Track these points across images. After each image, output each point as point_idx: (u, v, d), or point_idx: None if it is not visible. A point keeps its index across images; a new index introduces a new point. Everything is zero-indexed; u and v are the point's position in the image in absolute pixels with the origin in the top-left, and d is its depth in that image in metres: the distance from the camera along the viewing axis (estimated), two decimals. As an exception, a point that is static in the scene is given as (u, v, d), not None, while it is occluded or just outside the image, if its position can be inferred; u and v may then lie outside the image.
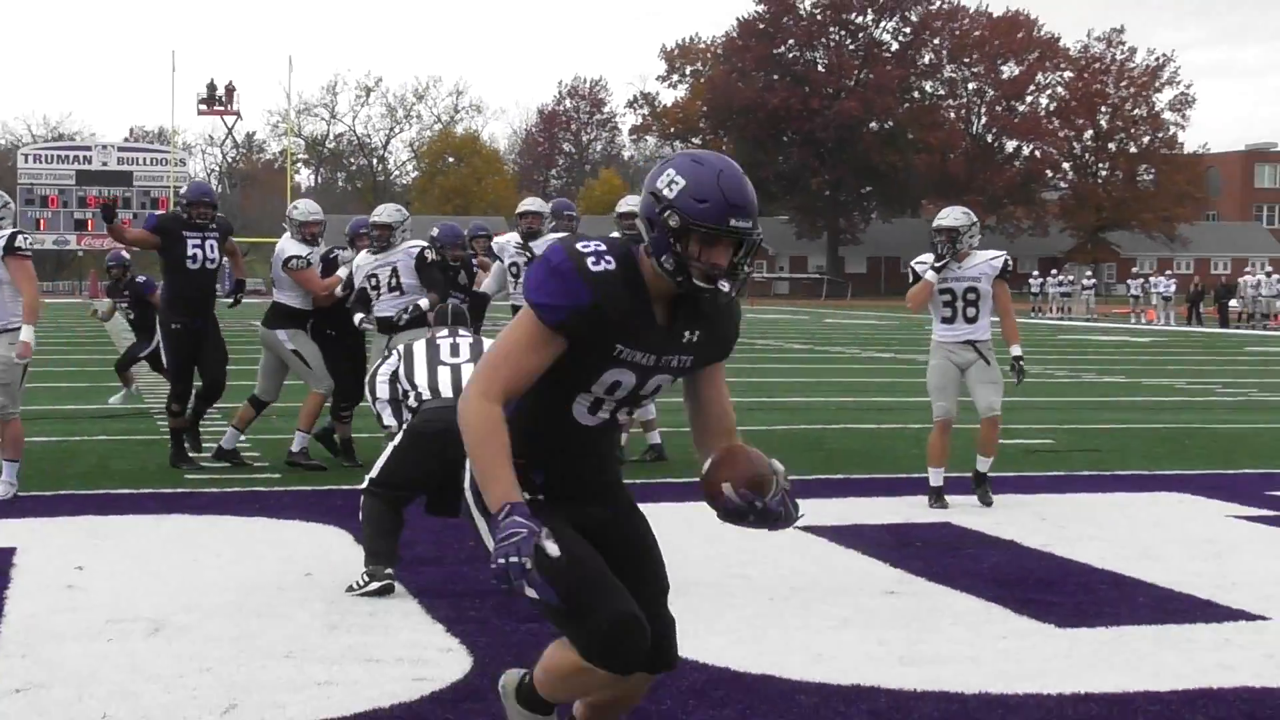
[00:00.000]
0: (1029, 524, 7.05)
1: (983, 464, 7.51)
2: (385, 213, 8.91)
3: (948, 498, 7.39)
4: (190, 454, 8.82)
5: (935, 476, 7.43)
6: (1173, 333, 35.71)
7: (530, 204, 9.77)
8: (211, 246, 8.77)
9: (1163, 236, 67.60)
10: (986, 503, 7.40)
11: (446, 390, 5.48)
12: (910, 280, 7.81)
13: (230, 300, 9.94)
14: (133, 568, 5.86)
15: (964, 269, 7.40)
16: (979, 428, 7.53)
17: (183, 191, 9.93)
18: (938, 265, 7.37)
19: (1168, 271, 50.37)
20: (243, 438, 9.10)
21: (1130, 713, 3.81)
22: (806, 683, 4.11)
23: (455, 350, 5.77)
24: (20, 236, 7.41)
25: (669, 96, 69.56)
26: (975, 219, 7.59)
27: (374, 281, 8.65)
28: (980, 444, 7.52)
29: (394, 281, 8.57)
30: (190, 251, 8.75)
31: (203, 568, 5.89)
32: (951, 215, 7.59)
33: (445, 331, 5.99)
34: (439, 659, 4.38)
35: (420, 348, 5.80)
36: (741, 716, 3.75)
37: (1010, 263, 7.64)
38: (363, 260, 8.73)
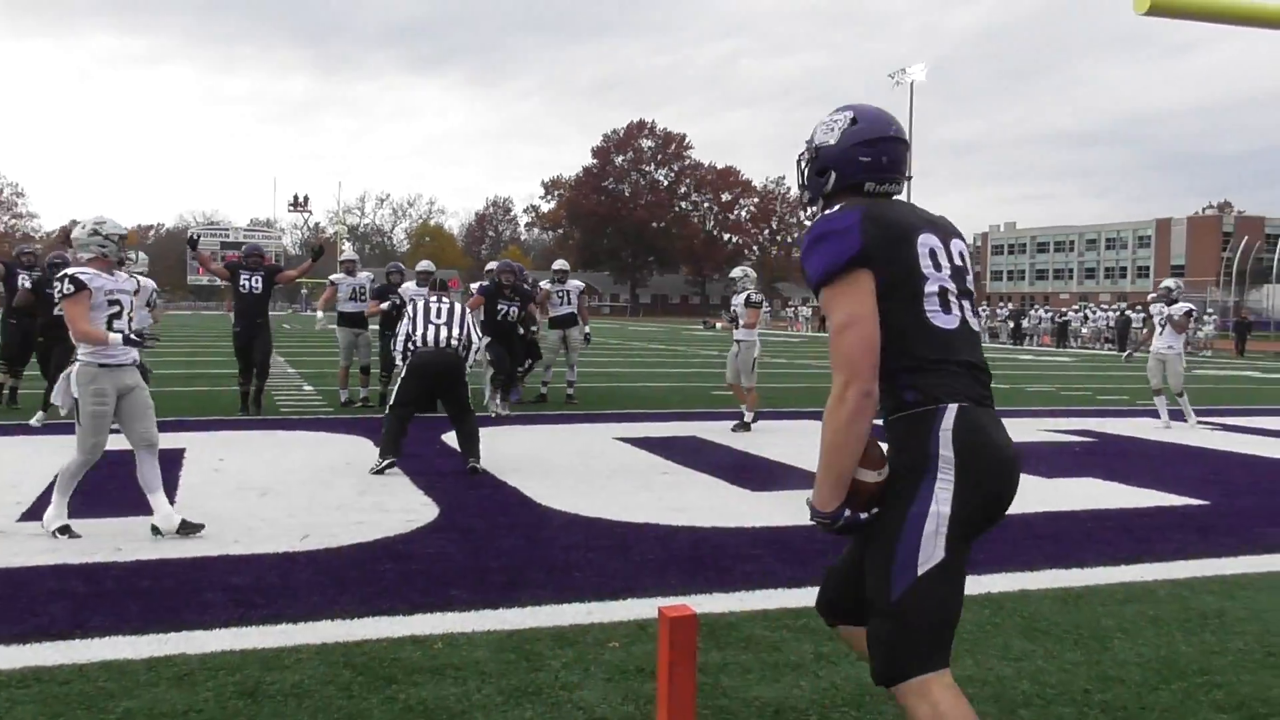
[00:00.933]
0: (744, 439, 10.72)
1: (747, 415, 11.81)
2: (426, 265, 13.19)
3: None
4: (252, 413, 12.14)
5: (748, 415, 11.87)
6: (811, 336, 37.93)
7: (499, 264, 13.58)
8: (258, 281, 12.19)
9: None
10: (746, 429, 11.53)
11: (430, 341, 8.35)
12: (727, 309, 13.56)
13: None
14: (251, 459, 8.77)
15: (738, 298, 12.34)
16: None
17: (243, 249, 14.56)
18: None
19: (811, 304, 62.15)
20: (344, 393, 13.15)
21: (791, 536, 6.38)
22: (620, 521, 6.74)
23: (439, 314, 8.57)
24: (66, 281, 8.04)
25: (546, 206, 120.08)
26: (748, 273, 12.56)
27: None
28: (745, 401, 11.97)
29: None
30: (243, 282, 12.15)
31: (289, 459, 8.79)
32: (737, 270, 12.68)
33: (435, 296, 8.89)
34: (421, 509, 6.99)
35: (420, 309, 8.62)
36: (586, 540, 6.25)
37: (751, 298, 12.34)
38: (414, 290, 12.44)
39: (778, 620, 4.70)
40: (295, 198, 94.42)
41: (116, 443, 6.26)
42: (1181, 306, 13.42)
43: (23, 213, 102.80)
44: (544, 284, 14.90)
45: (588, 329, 14.78)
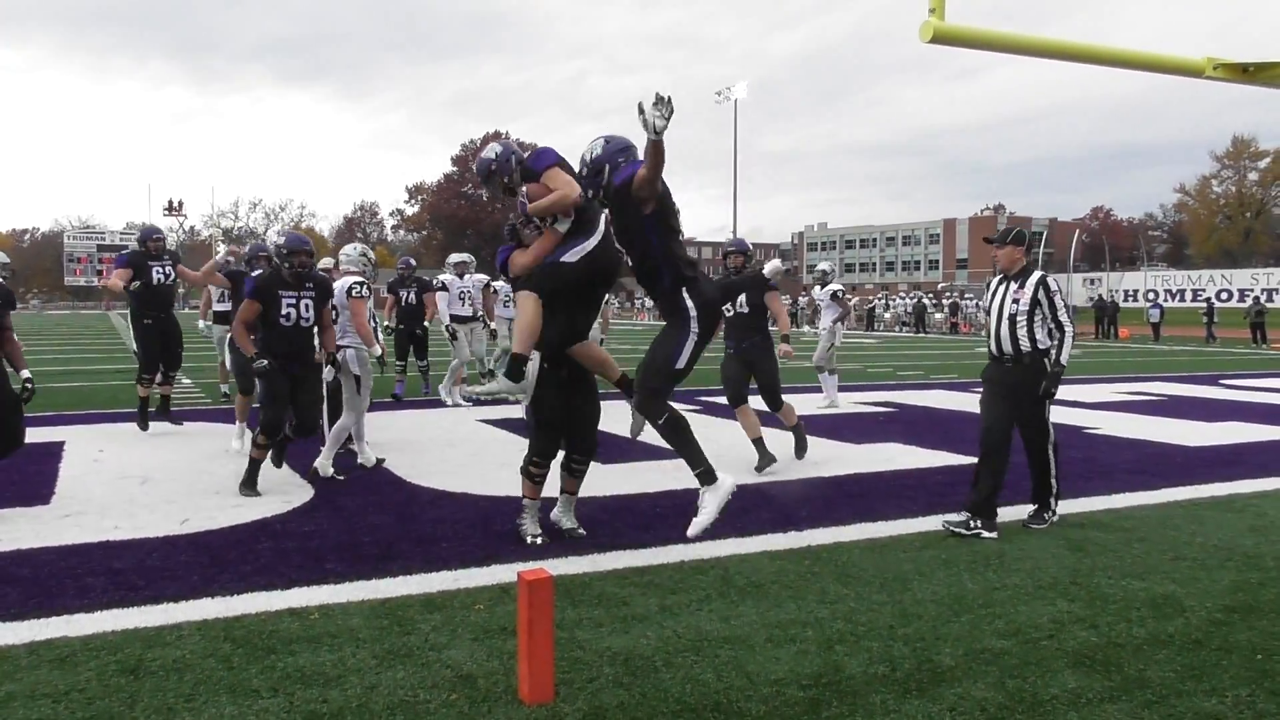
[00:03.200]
0: None
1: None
2: (457, 258, 12.90)
3: None
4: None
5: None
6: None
7: (461, 256, 13.08)
8: (169, 270, 9.70)
9: None
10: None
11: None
12: None
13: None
14: (130, 451, 8.28)
15: None
16: None
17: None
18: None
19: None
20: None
21: (637, 503, 6.42)
22: (483, 495, 6.71)
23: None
24: (357, 285, 7.53)
25: (410, 210, 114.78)
26: None
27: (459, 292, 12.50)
28: None
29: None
30: (154, 274, 9.49)
31: (168, 449, 8.34)
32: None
33: None
34: (297, 491, 6.75)
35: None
36: (452, 514, 6.17)
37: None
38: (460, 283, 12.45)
39: (625, 578, 4.72)
40: (170, 202, 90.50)
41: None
42: (831, 288, 13.16)
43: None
44: (442, 277, 12.82)
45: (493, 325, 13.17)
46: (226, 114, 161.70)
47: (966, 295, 45.04)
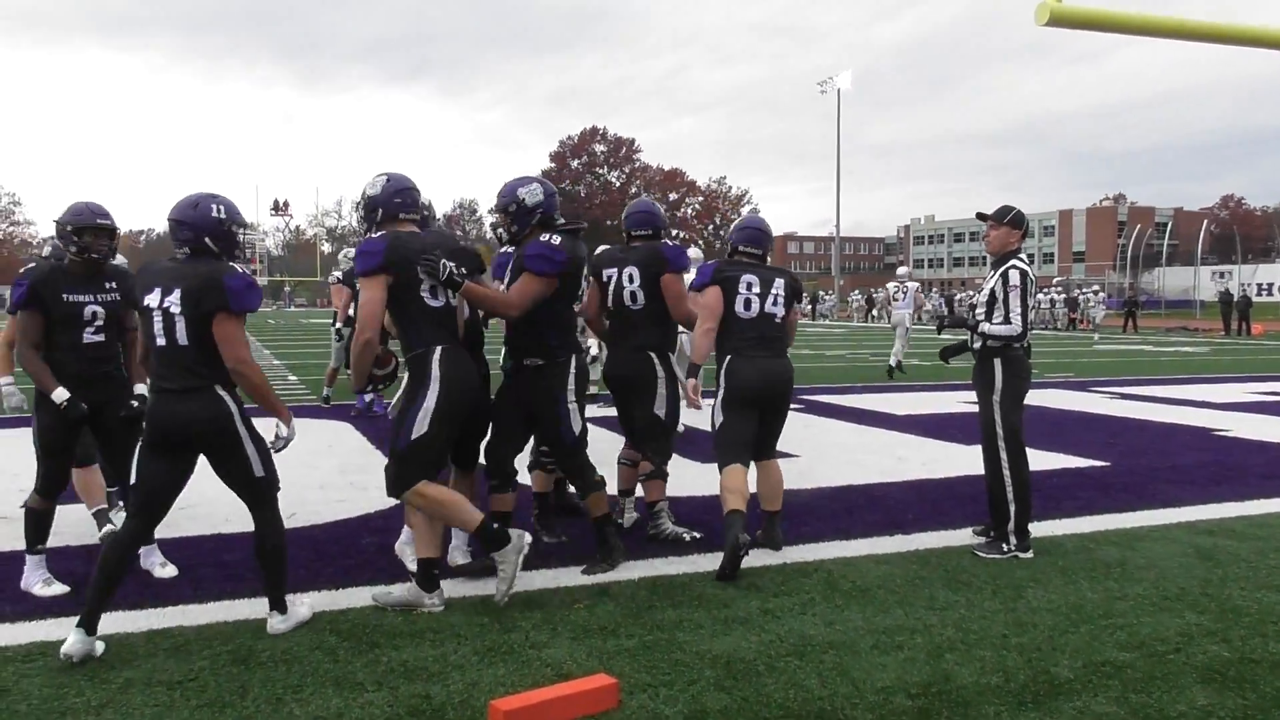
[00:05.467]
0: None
1: None
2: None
3: None
4: None
5: None
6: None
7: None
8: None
9: None
10: None
11: None
12: None
13: None
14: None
15: None
16: None
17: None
18: None
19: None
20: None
21: None
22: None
23: None
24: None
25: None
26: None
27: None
28: None
29: None
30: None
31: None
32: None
33: None
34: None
35: None
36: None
37: None
38: None
39: (726, 580, 4.71)
40: (276, 202, 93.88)
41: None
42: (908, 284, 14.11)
43: (20, 220, 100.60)
44: None
45: None
46: (331, 114, 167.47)
47: (1083, 289, 43.61)
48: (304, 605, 4.15)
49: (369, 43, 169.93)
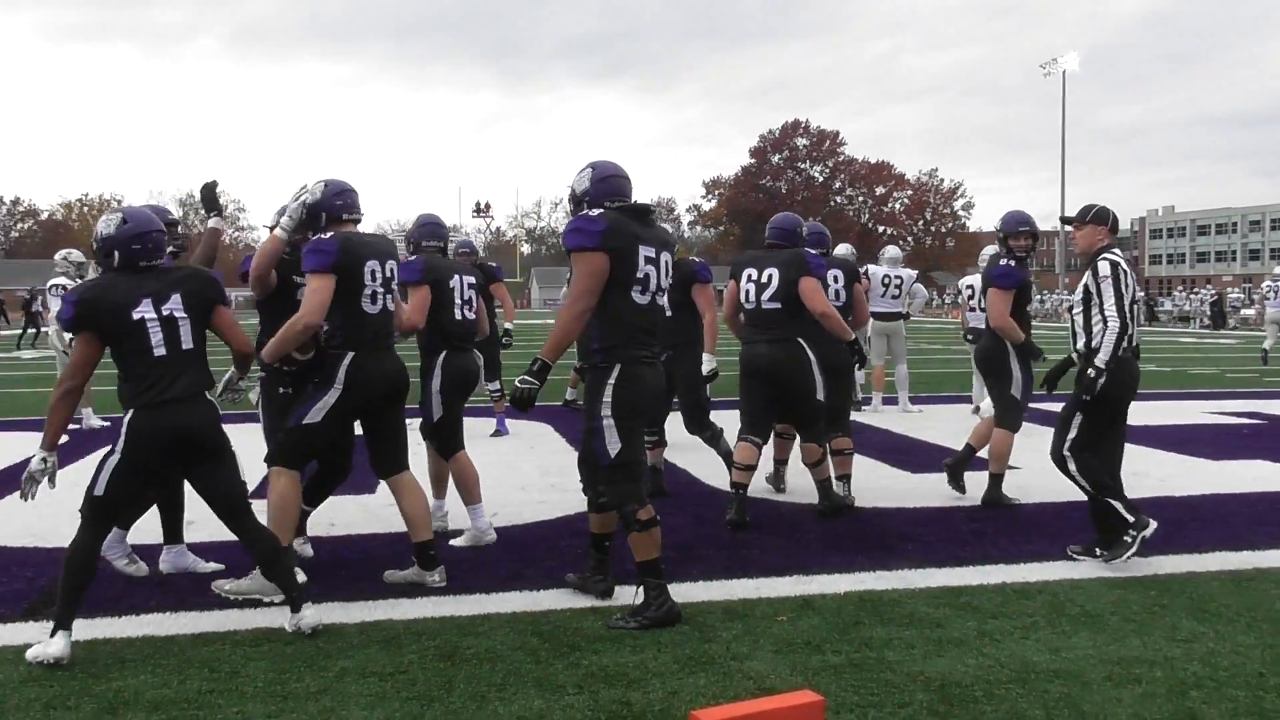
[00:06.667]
0: (903, 421, 9.42)
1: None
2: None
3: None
4: None
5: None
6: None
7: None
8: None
9: (958, 272, 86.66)
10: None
11: None
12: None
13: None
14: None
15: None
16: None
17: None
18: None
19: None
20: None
21: (951, 516, 6.19)
22: (785, 501, 6.67)
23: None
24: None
25: (707, 205, 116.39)
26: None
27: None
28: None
29: None
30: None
31: (477, 445, 8.99)
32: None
33: None
34: None
35: None
36: (752, 519, 6.21)
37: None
38: None
39: (939, 598, 4.56)
40: (478, 204, 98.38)
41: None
42: None
43: (244, 225, 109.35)
44: None
45: None
46: (532, 115, 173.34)
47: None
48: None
49: (571, 41, 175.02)
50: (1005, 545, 5.40)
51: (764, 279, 5.98)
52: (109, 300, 3.90)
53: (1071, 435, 5.18)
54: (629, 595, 4.38)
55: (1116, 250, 5.20)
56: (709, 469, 7.74)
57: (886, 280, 11.63)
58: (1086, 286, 5.14)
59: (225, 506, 4.12)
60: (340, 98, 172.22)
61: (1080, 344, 5.20)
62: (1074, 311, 5.28)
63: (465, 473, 5.65)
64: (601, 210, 4.22)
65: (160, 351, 3.94)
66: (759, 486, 7.09)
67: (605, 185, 4.35)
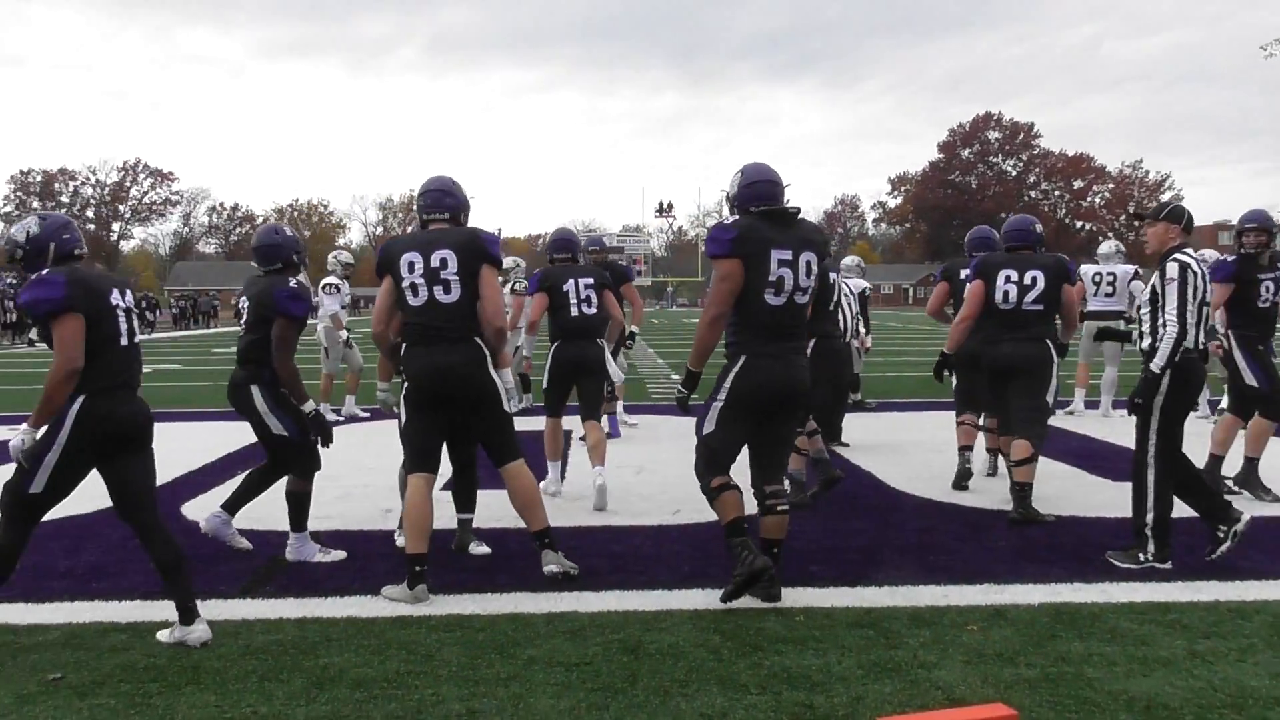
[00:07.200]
0: (1101, 425, 8.78)
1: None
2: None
3: None
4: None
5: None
6: None
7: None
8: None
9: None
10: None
11: None
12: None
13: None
14: (626, 440, 9.16)
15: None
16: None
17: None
18: None
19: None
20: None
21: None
22: (971, 507, 6.47)
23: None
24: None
25: (892, 202, 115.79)
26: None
27: None
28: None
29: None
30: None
31: (661, 441, 9.09)
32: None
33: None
34: None
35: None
36: (938, 524, 6.11)
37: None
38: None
39: (1144, 614, 4.31)
40: (660, 204, 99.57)
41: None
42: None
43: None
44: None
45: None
46: (715, 114, 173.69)
47: None
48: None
49: (755, 39, 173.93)
50: (1218, 560, 5.05)
51: (1026, 281, 6.11)
52: (95, 286, 3.95)
53: (1152, 442, 5.06)
54: (795, 598, 4.33)
55: (1189, 250, 5.07)
56: (894, 472, 7.57)
57: (1098, 278, 11.03)
58: (1154, 287, 5.06)
59: (134, 501, 4.04)
60: (528, 104, 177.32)
61: (1145, 344, 5.10)
62: (1142, 311, 5.20)
63: (596, 440, 6.70)
64: (737, 218, 4.44)
65: (124, 341, 4.02)
66: (945, 493, 6.90)
67: (751, 190, 4.51)
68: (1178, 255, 5.01)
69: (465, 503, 5.46)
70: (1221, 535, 5.01)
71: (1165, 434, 5.02)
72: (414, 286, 4.66)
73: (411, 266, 4.65)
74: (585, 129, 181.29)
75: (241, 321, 5.28)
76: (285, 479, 5.29)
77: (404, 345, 4.78)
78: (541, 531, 4.89)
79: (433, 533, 4.70)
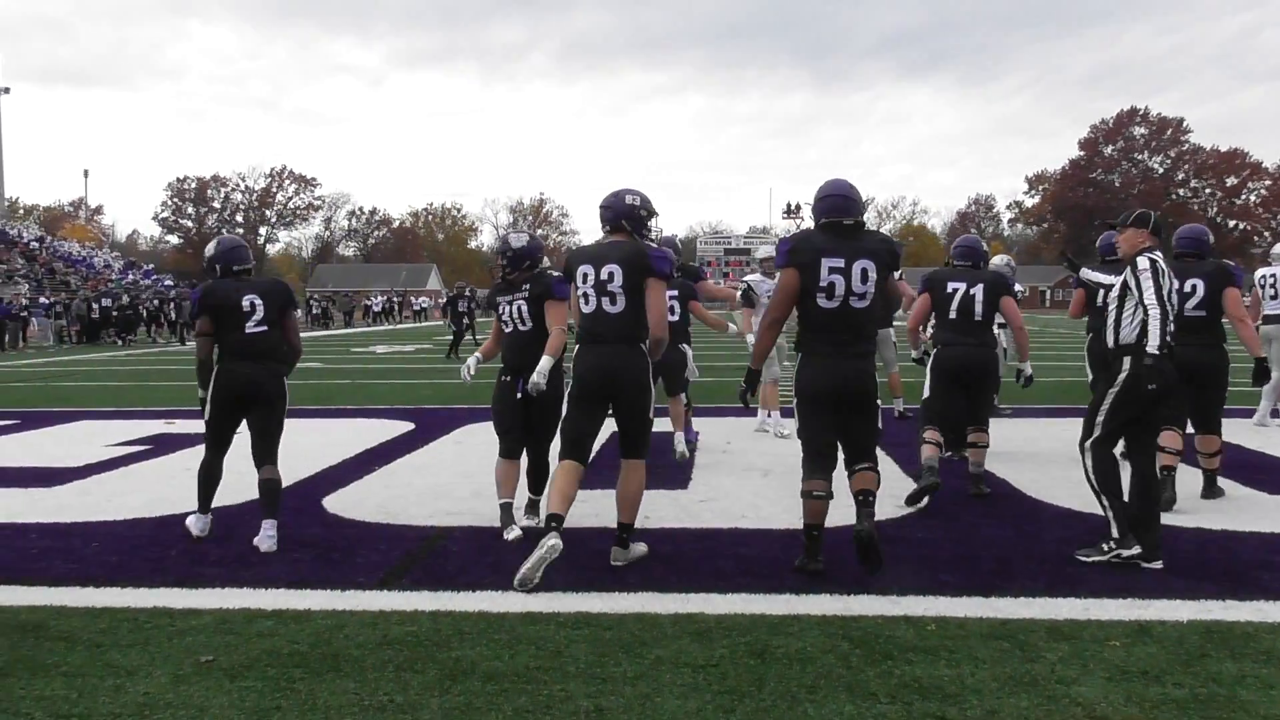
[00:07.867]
0: (1259, 436, 8.16)
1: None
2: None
3: None
4: None
5: None
6: None
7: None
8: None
9: None
10: None
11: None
12: None
13: None
14: (754, 443, 9.13)
15: None
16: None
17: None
18: None
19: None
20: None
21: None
22: (1117, 519, 6.22)
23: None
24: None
25: (1029, 202, 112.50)
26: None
27: None
28: None
29: None
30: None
31: (789, 444, 9.04)
32: None
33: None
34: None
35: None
36: (1079, 535, 5.88)
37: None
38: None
39: (1305, 635, 4.07)
40: (788, 205, 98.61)
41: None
42: None
43: (567, 230, 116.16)
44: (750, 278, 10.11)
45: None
46: (846, 114, 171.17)
47: None
48: None
49: (886, 37, 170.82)
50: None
51: (1187, 289, 6.40)
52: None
53: (1096, 433, 5.25)
54: (911, 605, 4.22)
55: (1158, 252, 5.28)
56: (1031, 479, 7.34)
57: (1262, 281, 10.48)
58: (1125, 282, 5.23)
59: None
60: (657, 106, 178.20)
61: (1112, 340, 5.27)
62: (1110, 307, 5.33)
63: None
64: (797, 232, 5.04)
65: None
66: (1082, 497, 6.66)
67: (821, 204, 4.90)
68: (1147, 254, 5.24)
69: (537, 486, 6.04)
70: (1109, 548, 5.10)
71: (1107, 426, 5.22)
72: (586, 296, 5.11)
73: (585, 277, 5.11)
74: (713, 130, 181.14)
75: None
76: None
77: (576, 346, 5.25)
78: (625, 525, 5.17)
79: (560, 529, 4.79)
